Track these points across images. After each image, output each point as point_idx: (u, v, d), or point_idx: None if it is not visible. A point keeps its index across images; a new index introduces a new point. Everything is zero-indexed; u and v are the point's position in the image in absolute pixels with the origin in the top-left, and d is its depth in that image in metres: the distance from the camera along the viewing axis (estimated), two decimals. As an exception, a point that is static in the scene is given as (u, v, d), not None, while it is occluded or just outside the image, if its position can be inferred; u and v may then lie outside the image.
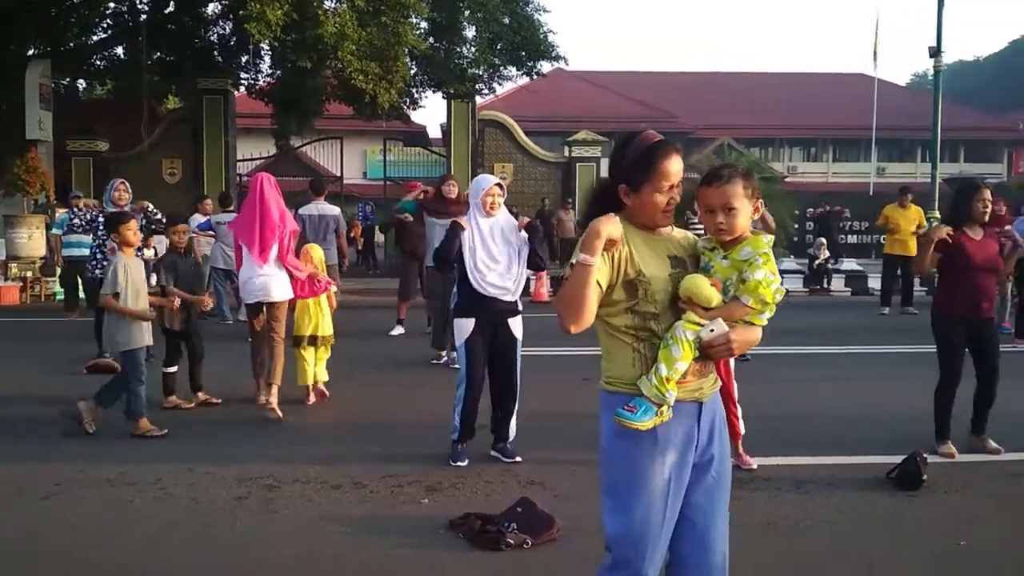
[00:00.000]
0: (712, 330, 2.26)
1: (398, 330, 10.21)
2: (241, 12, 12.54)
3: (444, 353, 8.32)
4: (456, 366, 5.47)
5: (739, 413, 4.93)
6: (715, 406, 2.45)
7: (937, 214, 17.10)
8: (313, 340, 6.65)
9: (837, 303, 14.98)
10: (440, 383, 7.56)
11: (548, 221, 20.35)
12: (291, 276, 6.50)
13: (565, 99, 34.38)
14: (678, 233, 2.48)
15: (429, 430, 5.76)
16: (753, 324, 2.35)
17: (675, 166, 2.32)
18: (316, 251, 7.05)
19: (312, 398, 6.68)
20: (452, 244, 5.14)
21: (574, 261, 2.22)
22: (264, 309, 6.46)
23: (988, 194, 5.21)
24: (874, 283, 15.58)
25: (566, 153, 20.77)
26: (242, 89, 19.76)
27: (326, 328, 6.76)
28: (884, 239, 13.55)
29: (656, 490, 2.30)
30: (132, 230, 5.96)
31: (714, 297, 2.28)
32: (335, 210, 9.92)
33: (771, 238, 2.38)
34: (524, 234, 5.23)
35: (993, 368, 5.21)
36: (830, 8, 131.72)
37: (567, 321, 2.26)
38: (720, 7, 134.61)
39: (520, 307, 5.24)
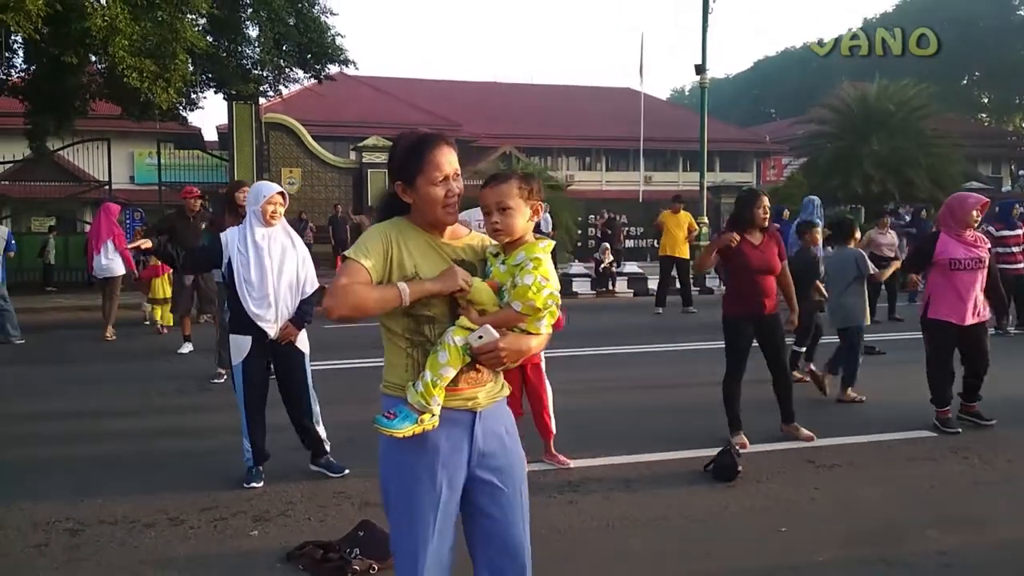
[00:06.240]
0: (480, 336, 2.17)
1: (187, 347, 9.54)
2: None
3: (224, 372, 7.44)
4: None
5: (551, 411, 5.07)
6: (497, 416, 2.39)
7: (706, 219, 18.64)
8: (162, 300, 11.36)
9: (622, 304, 15.83)
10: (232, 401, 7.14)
11: (341, 227, 19.94)
12: (132, 262, 11.40)
13: (349, 104, 33.76)
14: (474, 238, 2.42)
15: (237, 452, 5.41)
16: (528, 333, 2.28)
17: (446, 156, 2.27)
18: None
19: (164, 330, 11.26)
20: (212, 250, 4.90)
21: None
22: (107, 280, 10.90)
23: (767, 201, 5.65)
24: (653, 284, 16.63)
25: (352, 158, 20.43)
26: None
27: (167, 292, 11.11)
28: (657, 243, 14.52)
29: (423, 501, 2.28)
30: None
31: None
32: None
33: (549, 243, 2.31)
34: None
35: (779, 358, 5.60)
36: (599, 26, 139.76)
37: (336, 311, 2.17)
38: (499, 19, 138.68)
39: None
